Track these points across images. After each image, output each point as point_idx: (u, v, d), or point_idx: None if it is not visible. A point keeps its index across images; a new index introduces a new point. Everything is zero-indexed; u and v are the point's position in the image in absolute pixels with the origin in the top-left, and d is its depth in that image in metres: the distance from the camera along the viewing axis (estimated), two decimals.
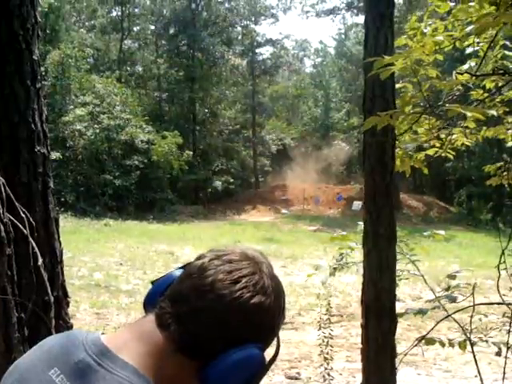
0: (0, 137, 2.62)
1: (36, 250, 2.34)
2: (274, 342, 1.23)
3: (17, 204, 2.33)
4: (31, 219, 2.39)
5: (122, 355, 1.07)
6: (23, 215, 2.34)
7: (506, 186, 5.17)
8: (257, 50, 49.39)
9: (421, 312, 3.50)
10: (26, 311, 2.24)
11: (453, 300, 3.38)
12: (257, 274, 1.14)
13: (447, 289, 3.62)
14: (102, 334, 1.15)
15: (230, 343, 1.09)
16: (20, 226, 2.30)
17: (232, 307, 1.09)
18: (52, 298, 2.48)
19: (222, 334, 1.09)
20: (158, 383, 1.05)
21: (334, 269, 4.09)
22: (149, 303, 1.19)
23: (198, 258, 1.17)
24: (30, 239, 2.33)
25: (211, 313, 1.09)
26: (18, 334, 2.21)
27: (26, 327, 2.27)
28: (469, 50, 3.98)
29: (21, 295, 2.24)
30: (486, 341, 3.82)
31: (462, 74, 3.02)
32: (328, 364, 5.36)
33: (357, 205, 33.42)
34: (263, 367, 1.13)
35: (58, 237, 2.75)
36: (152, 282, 1.48)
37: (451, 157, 5.06)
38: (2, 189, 2.22)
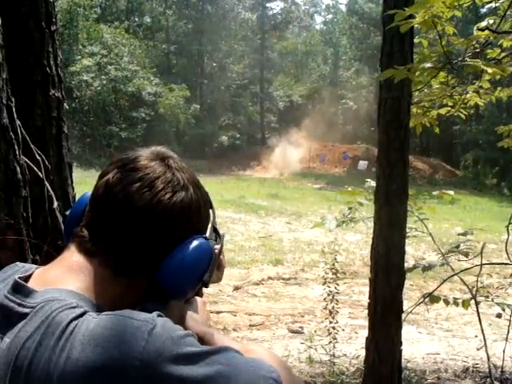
0: (14, 80, 2.58)
1: (51, 192, 2.34)
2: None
3: (32, 147, 2.32)
4: (46, 162, 2.38)
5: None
6: (38, 158, 2.33)
7: None
8: (267, 5, 48.83)
9: (429, 267, 3.52)
10: (40, 253, 2.25)
11: (465, 254, 3.39)
12: (167, 171, 1.04)
13: (457, 246, 3.63)
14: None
15: (167, 248, 1.01)
16: (35, 168, 2.30)
17: (155, 214, 1.00)
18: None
19: (154, 244, 1.01)
20: (105, 308, 0.93)
21: (343, 222, 4.09)
22: (67, 236, 1.09)
23: (102, 176, 1.04)
24: (46, 182, 2.33)
25: (135, 228, 0.99)
26: None
27: None
28: (486, 7, 3.92)
29: (36, 237, 2.25)
30: (492, 299, 3.85)
31: (482, 30, 2.97)
32: (333, 318, 5.41)
33: (362, 164, 33.41)
34: (212, 252, 1.07)
35: (71, 182, 2.74)
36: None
37: (463, 116, 5.04)
38: (19, 131, 2.21)
